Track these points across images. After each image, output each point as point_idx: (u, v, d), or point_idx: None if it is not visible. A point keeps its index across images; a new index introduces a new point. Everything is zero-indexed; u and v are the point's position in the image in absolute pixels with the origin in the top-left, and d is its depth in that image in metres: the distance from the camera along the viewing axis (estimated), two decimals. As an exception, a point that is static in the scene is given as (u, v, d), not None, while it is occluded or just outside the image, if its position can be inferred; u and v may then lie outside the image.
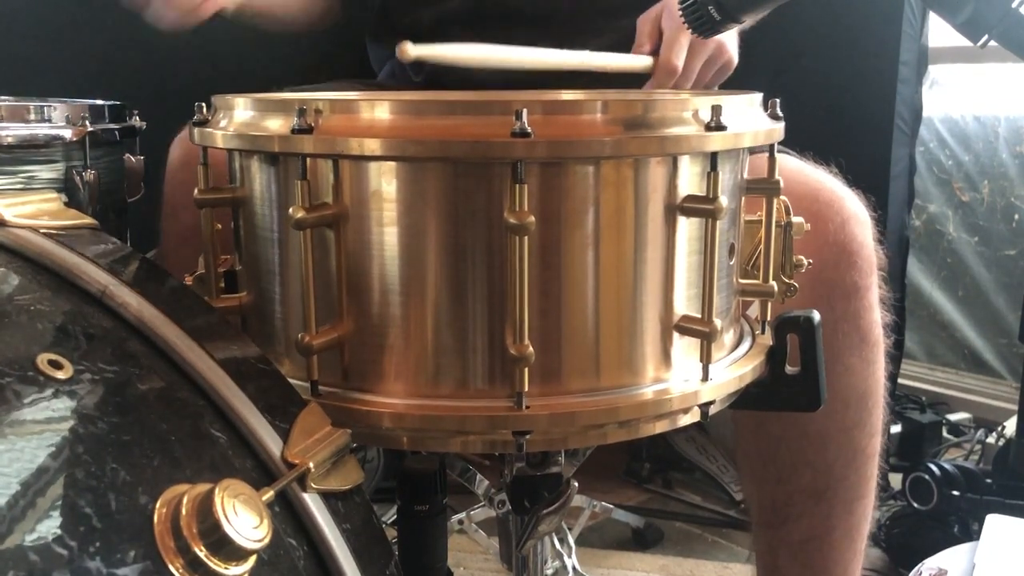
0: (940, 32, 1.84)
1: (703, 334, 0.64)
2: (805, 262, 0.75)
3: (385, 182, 0.60)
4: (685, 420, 0.66)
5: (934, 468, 1.60)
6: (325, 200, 0.61)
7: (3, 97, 1.09)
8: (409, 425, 0.62)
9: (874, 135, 1.76)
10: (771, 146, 0.69)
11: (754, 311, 0.77)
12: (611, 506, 1.69)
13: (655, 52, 1.03)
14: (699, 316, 0.64)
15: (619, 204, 0.61)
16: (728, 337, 0.71)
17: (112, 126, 1.13)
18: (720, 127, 0.61)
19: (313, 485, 0.53)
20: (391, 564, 0.57)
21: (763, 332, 0.75)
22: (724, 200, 0.62)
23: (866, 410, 1.03)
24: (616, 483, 1.96)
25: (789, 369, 0.73)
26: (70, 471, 0.44)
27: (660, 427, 0.66)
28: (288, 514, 0.52)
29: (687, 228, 0.63)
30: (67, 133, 1.04)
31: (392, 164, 0.59)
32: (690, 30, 0.82)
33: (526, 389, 0.59)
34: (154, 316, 0.56)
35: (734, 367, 0.69)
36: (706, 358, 0.65)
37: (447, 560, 0.81)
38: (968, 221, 2.35)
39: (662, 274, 0.63)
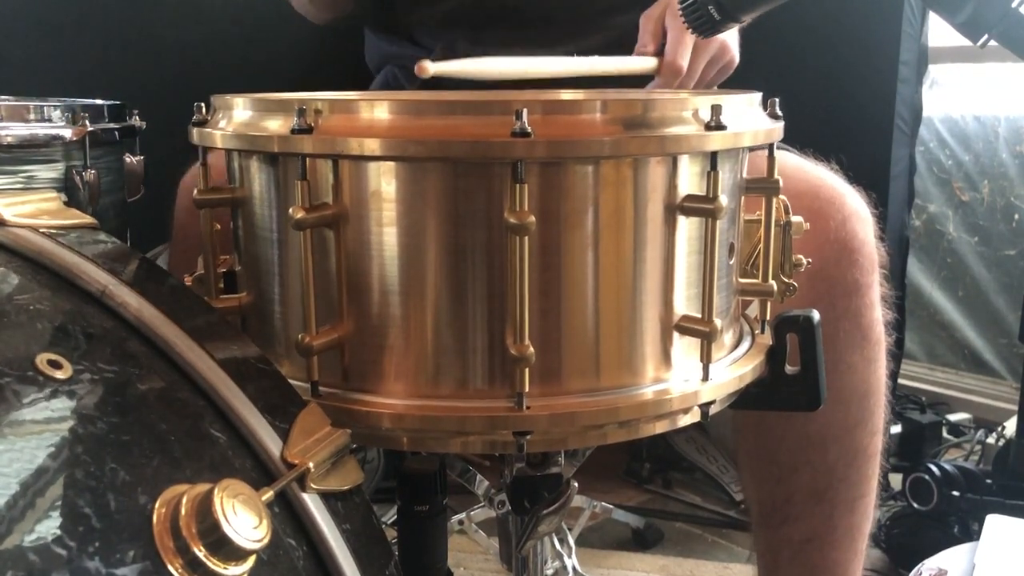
0: (940, 32, 1.84)
1: (703, 334, 0.64)
2: (804, 261, 0.75)
3: (385, 182, 0.59)
4: (685, 420, 0.66)
5: (934, 468, 1.60)
6: (325, 200, 0.61)
7: (3, 97, 1.09)
8: (409, 426, 0.62)
9: (874, 135, 1.77)
10: (770, 145, 0.69)
11: (754, 311, 0.77)
12: (611, 506, 1.69)
13: (659, 51, 1.03)
14: (699, 316, 0.64)
15: (619, 204, 0.61)
16: (728, 337, 0.71)
17: (112, 126, 1.13)
18: (720, 127, 0.61)
19: (313, 485, 0.53)
20: (391, 564, 0.57)
21: (763, 332, 0.75)
22: (724, 200, 0.62)
23: (867, 409, 1.02)
24: (616, 483, 1.96)
25: (789, 369, 0.73)
26: (69, 471, 0.44)
27: (660, 427, 0.66)
28: (288, 514, 0.52)
29: (687, 228, 0.63)
30: (67, 133, 1.04)
31: (392, 164, 0.59)
32: (690, 30, 0.82)
33: (526, 389, 0.59)
34: (154, 316, 0.56)
35: (734, 367, 0.69)
36: (706, 358, 0.65)
37: (447, 560, 0.81)
38: (968, 221, 2.35)
39: (662, 274, 0.63)
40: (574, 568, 1.22)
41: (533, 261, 0.58)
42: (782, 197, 0.72)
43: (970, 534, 1.49)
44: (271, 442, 0.53)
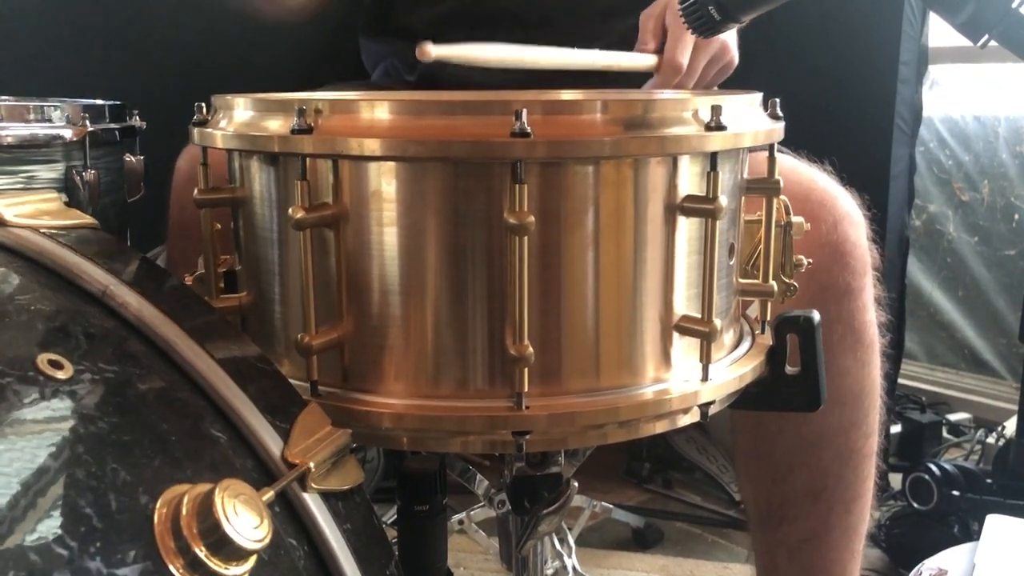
0: (940, 32, 1.84)
1: (703, 334, 0.64)
2: (805, 262, 0.75)
3: (385, 182, 0.60)
4: (685, 420, 0.66)
5: (934, 468, 1.60)
6: (325, 200, 0.61)
7: (3, 97, 1.09)
8: (409, 425, 0.62)
9: (874, 135, 1.76)
10: (771, 146, 0.69)
11: (754, 311, 0.77)
12: (611, 506, 1.69)
13: (659, 50, 1.03)
14: (699, 316, 0.64)
15: (619, 204, 0.61)
16: (728, 337, 0.71)
17: (112, 126, 1.13)
18: (720, 127, 0.61)
19: (313, 485, 0.53)
20: (391, 564, 0.57)
21: (763, 332, 0.75)
22: (724, 200, 0.62)
23: (862, 410, 1.03)
24: (616, 483, 1.96)
25: (789, 369, 0.73)
26: (70, 471, 0.44)
27: (660, 427, 0.66)
28: (288, 514, 0.52)
29: (687, 228, 0.63)
30: (67, 133, 1.04)
31: (392, 164, 0.59)
32: (690, 30, 0.82)
33: (526, 389, 0.59)
34: (154, 316, 0.56)
35: (734, 367, 0.69)
36: (706, 358, 0.65)
37: (447, 560, 0.81)
38: (968, 221, 2.35)
39: (662, 274, 0.63)
40: (574, 568, 1.22)
41: (533, 261, 0.58)
42: (783, 197, 0.72)
43: (970, 534, 1.50)
44: (272, 442, 0.53)
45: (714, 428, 1.89)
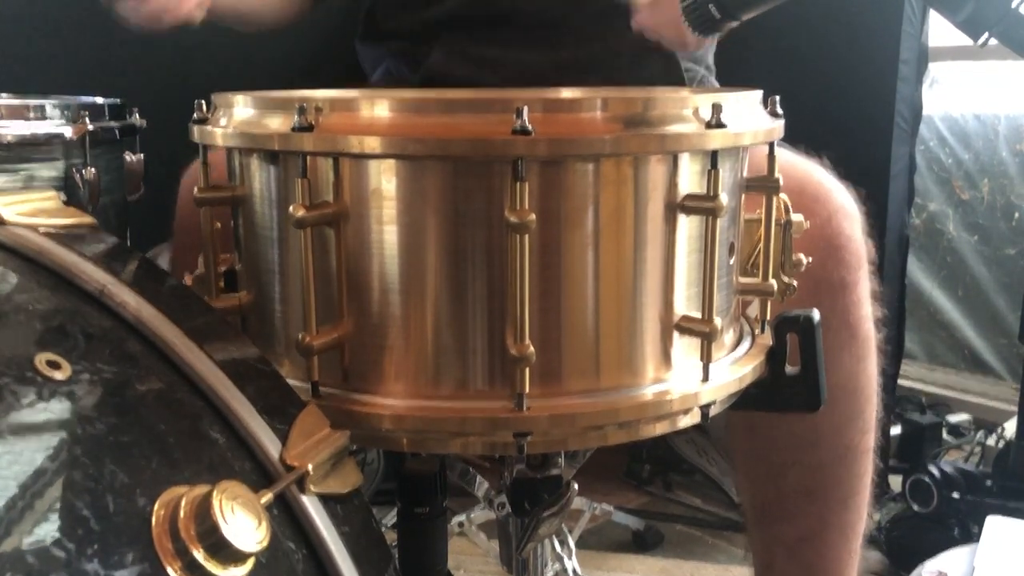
0: (940, 30, 1.84)
1: (703, 334, 0.64)
2: (805, 260, 0.75)
3: (385, 180, 0.59)
4: (685, 421, 0.66)
5: (934, 470, 1.60)
6: (325, 199, 0.60)
7: (3, 96, 1.09)
8: (409, 427, 0.62)
9: (874, 134, 1.76)
10: (771, 144, 0.69)
11: (754, 311, 0.77)
12: (611, 508, 1.69)
13: None
14: (699, 316, 0.64)
15: (619, 202, 0.60)
16: (728, 337, 0.71)
17: (112, 124, 1.13)
18: (720, 125, 0.61)
19: (312, 488, 0.52)
20: (390, 567, 0.56)
21: (763, 331, 0.74)
22: (724, 198, 0.62)
23: (857, 406, 1.02)
24: (616, 485, 1.96)
25: (789, 369, 0.73)
26: (68, 473, 0.44)
27: (660, 428, 0.65)
28: (286, 517, 0.52)
29: (687, 226, 0.63)
30: (67, 131, 1.04)
31: (392, 162, 0.59)
32: (690, 28, 0.82)
33: (526, 390, 0.59)
34: (153, 316, 0.56)
35: (734, 367, 0.69)
36: (706, 358, 0.65)
37: (447, 562, 0.81)
38: (968, 220, 2.34)
39: (662, 273, 0.63)
40: (574, 570, 1.22)
41: (533, 260, 0.58)
42: (783, 196, 0.72)
43: (970, 536, 1.49)
44: (270, 444, 0.53)
45: (714, 430, 1.89)
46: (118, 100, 1.17)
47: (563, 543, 1.22)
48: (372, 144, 0.58)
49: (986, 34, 0.74)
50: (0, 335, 0.51)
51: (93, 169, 1.06)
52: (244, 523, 0.44)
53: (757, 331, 0.75)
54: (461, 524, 1.46)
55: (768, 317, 0.74)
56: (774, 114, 0.70)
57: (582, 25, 1.17)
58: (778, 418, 1.01)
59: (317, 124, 0.59)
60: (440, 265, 0.60)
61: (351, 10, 1.36)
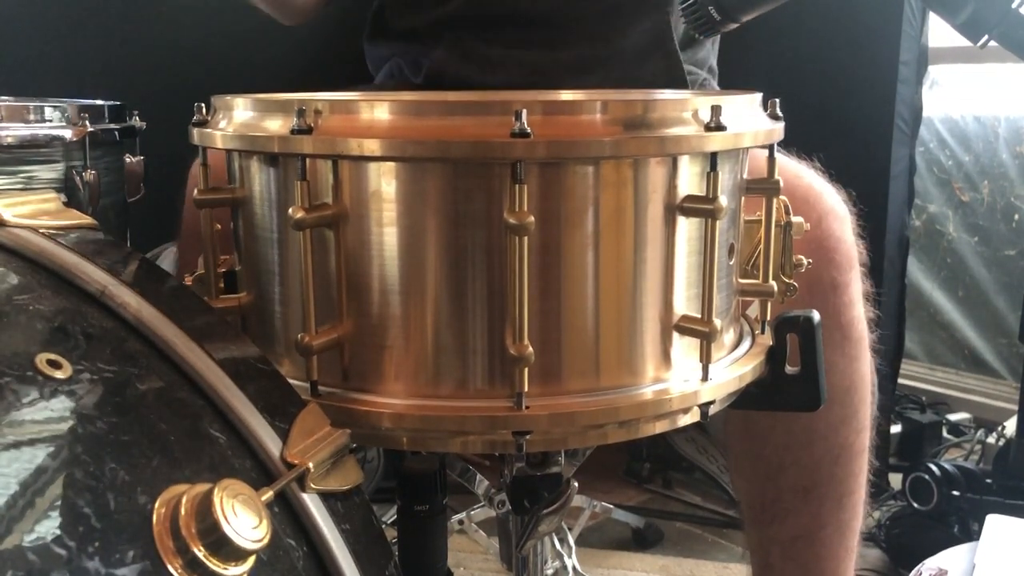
0: (940, 32, 1.84)
1: (703, 334, 0.64)
2: (805, 262, 0.75)
3: (385, 182, 0.59)
4: (685, 420, 0.66)
5: (934, 468, 1.60)
6: (325, 200, 0.61)
7: (3, 97, 1.09)
8: (409, 425, 0.62)
9: (874, 135, 1.77)
10: (771, 146, 0.69)
11: (754, 311, 0.77)
12: (611, 506, 1.69)
13: None
14: (699, 316, 0.64)
15: (619, 204, 0.61)
16: (728, 337, 0.71)
17: (112, 126, 1.13)
18: (720, 127, 0.61)
19: (312, 485, 0.53)
20: (390, 565, 0.57)
21: (763, 332, 0.75)
22: (724, 200, 0.62)
23: (851, 406, 1.03)
24: (616, 483, 1.96)
25: (789, 369, 0.73)
26: (69, 471, 0.44)
27: (660, 427, 0.66)
28: (287, 514, 0.52)
29: (687, 228, 0.63)
30: (67, 133, 1.04)
31: (392, 164, 0.59)
32: (690, 29, 0.82)
33: (526, 389, 0.59)
34: (153, 316, 0.56)
35: (734, 367, 0.69)
36: (706, 358, 0.65)
37: (447, 560, 0.81)
38: (968, 221, 2.35)
39: (662, 274, 0.63)
40: (574, 568, 1.22)
41: (533, 261, 0.58)
42: (782, 198, 0.72)
43: (970, 534, 1.49)
44: (271, 442, 0.53)
45: (714, 428, 1.89)
46: (118, 102, 1.17)
47: (563, 541, 1.22)
48: (371, 146, 0.58)
49: (986, 36, 0.74)
50: (1, 335, 0.51)
51: (93, 171, 1.06)
52: (245, 521, 0.44)
53: (757, 331, 0.75)
54: (461, 522, 1.46)
55: (768, 318, 0.75)
56: (774, 116, 0.70)
57: (585, 25, 1.17)
58: (774, 418, 1.02)
59: (316, 126, 0.60)
60: (440, 266, 0.60)
61: (357, 11, 1.36)
